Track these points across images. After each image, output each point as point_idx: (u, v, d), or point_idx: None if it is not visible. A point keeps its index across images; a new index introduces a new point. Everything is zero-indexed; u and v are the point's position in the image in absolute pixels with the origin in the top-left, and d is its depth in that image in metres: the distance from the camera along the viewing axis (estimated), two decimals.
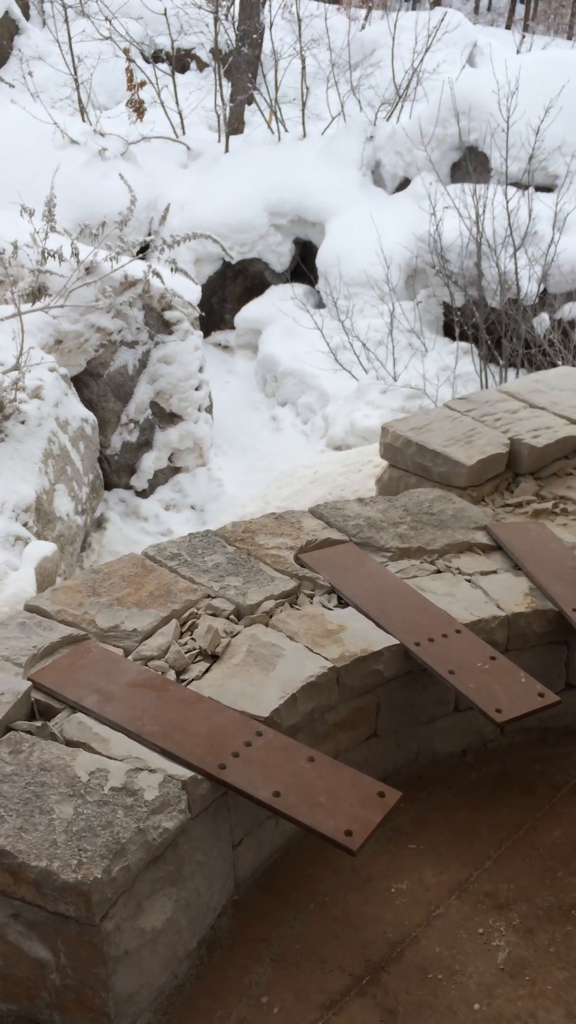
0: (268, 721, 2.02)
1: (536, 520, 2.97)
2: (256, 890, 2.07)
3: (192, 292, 7.24)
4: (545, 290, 7.55)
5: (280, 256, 9.89)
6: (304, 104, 10.70)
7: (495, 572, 2.67)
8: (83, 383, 6.25)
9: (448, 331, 8.44)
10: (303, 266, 9.72)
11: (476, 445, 3.12)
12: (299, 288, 9.65)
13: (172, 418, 6.90)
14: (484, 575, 2.65)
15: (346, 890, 2.08)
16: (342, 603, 2.47)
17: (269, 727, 2.00)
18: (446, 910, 2.05)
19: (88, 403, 6.16)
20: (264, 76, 12.01)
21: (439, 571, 2.66)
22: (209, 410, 7.18)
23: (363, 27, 15.24)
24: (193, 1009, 1.80)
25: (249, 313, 9.60)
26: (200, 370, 7.14)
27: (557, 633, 2.51)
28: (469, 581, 2.62)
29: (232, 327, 9.93)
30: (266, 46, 12.82)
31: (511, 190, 8.00)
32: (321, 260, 9.26)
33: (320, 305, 9.31)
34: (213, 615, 2.35)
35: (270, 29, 12.90)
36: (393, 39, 11.66)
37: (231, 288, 10.00)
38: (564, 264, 7.28)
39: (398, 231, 8.63)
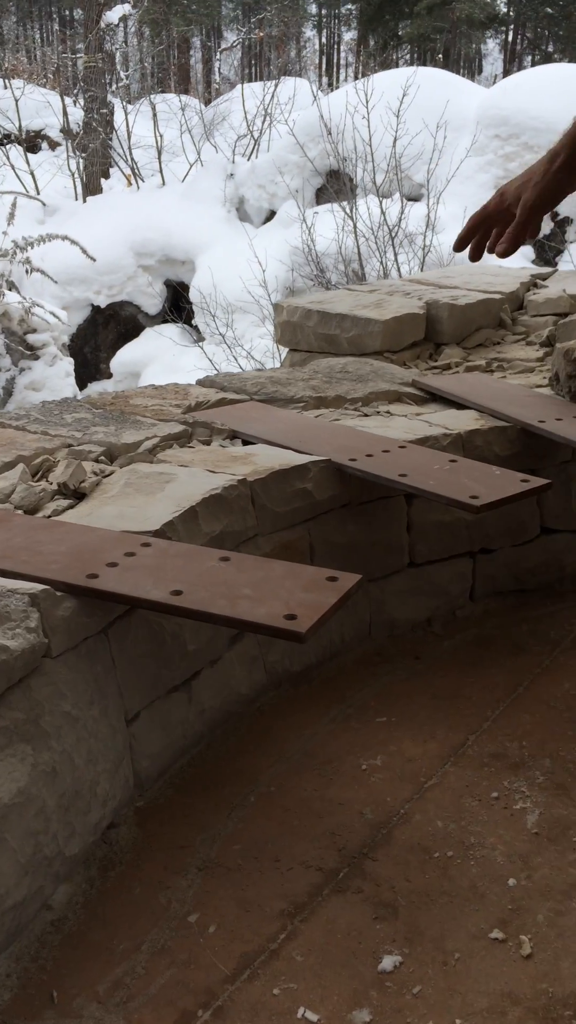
0: (158, 535, 1.42)
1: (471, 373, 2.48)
2: (171, 791, 1.41)
3: (59, 313, 6.72)
4: None
5: (152, 298, 9.51)
6: (160, 151, 10.52)
7: (434, 412, 2.15)
8: None
9: None
10: (174, 313, 9.34)
11: (388, 309, 2.64)
12: (175, 328, 9.25)
13: None
14: (421, 415, 2.13)
15: (299, 776, 1.45)
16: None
17: (161, 540, 1.39)
18: (441, 779, 1.44)
19: None
20: (120, 143, 11.87)
21: (366, 415, 2.13)
22: None
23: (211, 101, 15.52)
24: (79, 946, 1.13)
25: (125, 356, 9.13)
26: (75, 397, 6.56)
27: (522, 458, 1.99)
28: (405, 417, 2.09)
29: (109, 375, 9.42)
30: (119, 116, 12.76)
31: (383, 201, 7.86)
32: (195, 294, 8.91)
33: (200, 340, 8.91)
34: (77, 459, 1.74)
35: (122, 104, 12.87)
36: (243, 94, 11.74)
37: (103, 335, 9.52)
38: (443, 258, 7.09)
39: (272, 254, 8.36)
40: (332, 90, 13.63)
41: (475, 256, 1.54)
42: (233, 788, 1.42)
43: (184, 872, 1.25)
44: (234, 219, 9.69)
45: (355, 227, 6.96)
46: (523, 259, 8.93)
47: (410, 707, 1.63)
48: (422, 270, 7.07)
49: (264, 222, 9.59)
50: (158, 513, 1.47)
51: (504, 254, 1.46)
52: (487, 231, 1.51)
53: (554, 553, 2.05)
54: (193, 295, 8.97)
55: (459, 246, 1.55)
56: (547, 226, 9.30)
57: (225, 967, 1.10)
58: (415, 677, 1.74)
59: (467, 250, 1.55)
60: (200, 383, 2.35)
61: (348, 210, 7.01)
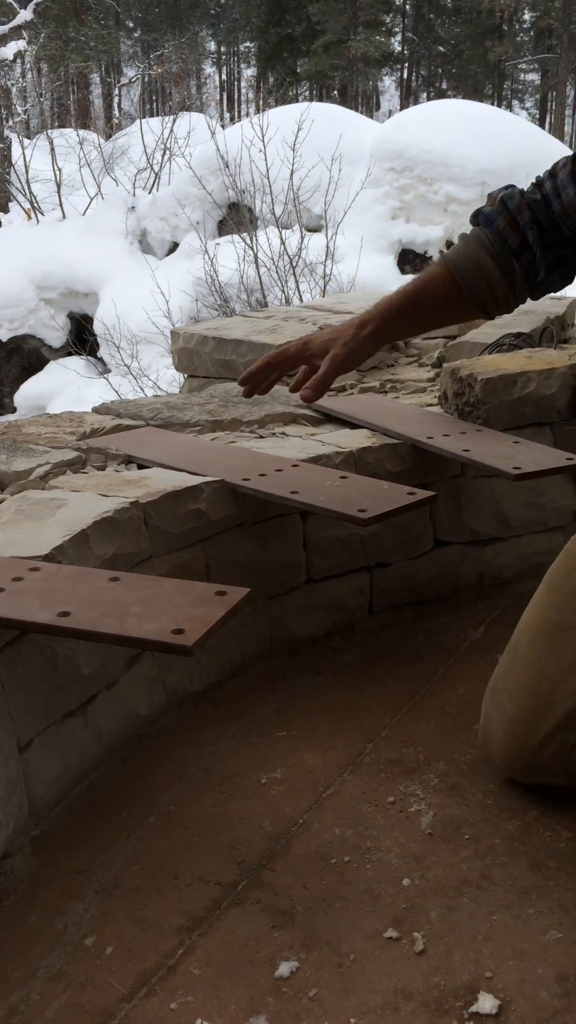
0: (48, 559, 1.41)
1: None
2: (69, 816, 1.40)
3: None
4: None
5: (55, 331, 9.43)
6: (59, 185, 10.50)
7: (328, 433, 2.20)
8: None
9: None
10: (78, 346, 9.28)
11: (283, 334, 2.70)
12: (80, 360, 9.19)
13: None
14: (316, 435, 2.17)
15: (199, 794, 1.45)
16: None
17: (50, 564, 1.39)
18: (339, 788, 1.46)
19: None
20: (19, 177, 11.79)
21: (262, 437, 2.16)
22: None
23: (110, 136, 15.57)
24: None
25: (30, 390, 9.02)
26: None
27: (413, 474, 2.05)
28: (300, 438, 2.14)
29: (13, 410, 9.28)
30: (16, 151, 12.69)
31: (283, 233, 8.00)
32: (99, 326, 8.88)
33: (106, 371, 8.87)
34: None
35: (19, 139, 12.81)
36: (141, 128, 11.83)
37: (6, 369, 9.39)
38: (343, 286, 7.25)
39: (176, 285, 8.41)
40: (232, 125, 13.83)
41: (251, 393, 1.60)
42: (132, 810, 1.41)
43: (81, 896, 1.24)
44: (137, 251, 9.72)
45: (256, 257, 7.06)
46: None
47: (310, 720, 1.66)
48: (324, 297, 7.21)
49: (167, 254, 9.65)
50: (48, 538, 1.47)
51: (310, 399, 1.52)
52: (280, 373, 1.58)
53: (448, 565, 2.11)
54: (97, 327, 8.94)
55: (247, 380, 1.59)
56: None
57: (122, 986, 1.10)
58: (316, 691, 1.76)
59: (254, 376, 1.58)
60: (96, 410, 2.35)
61: (249, 241, 7.12)
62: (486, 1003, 1.06)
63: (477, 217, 1.49)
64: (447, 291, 1.49)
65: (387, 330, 1.52)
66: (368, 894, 1.23)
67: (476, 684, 1.75)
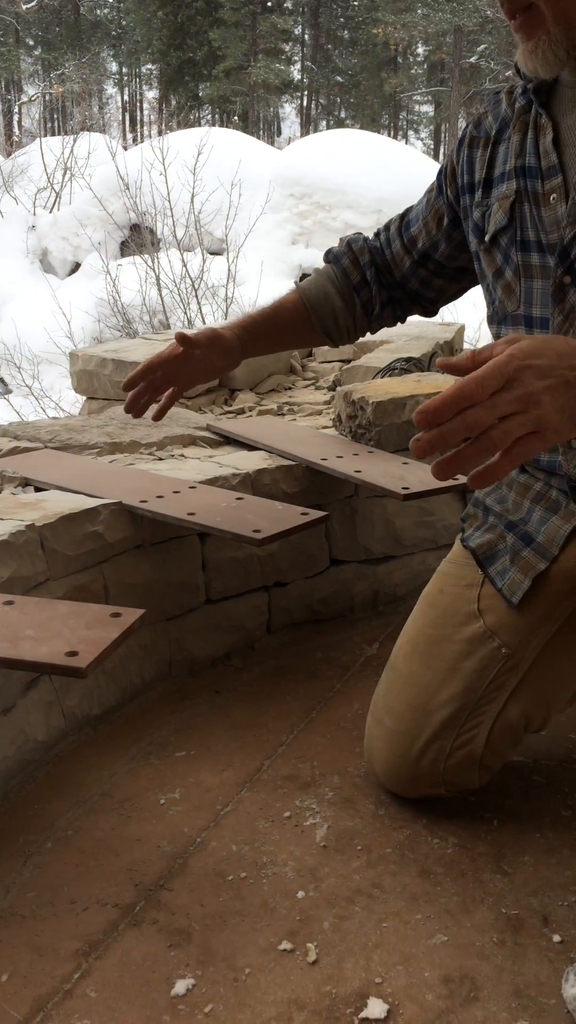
0: None
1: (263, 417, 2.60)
2: None
3: None
4: None
5: None
6: None
7: (226, 455, 2.23)
8: None
9: None
10: None
11: None
12: None
13: None
14: (214, 457, 2.20)
15: (96, 817, 1.46)
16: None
17: None
18: (237, 805, 1.48)
19: None
20: None
21: (161, 459, 2.18)
22: None
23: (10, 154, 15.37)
24: None
25: None
26: None
27: (308, 494, 2.10)
28: (198, 460, 2.16)
29: None
30: None
31: (184, 255, 8.04)
32: None
33: (7, 392, 8.72)
34: None
35: None
36: (41, 148, 11.72)
37: None
38: (244, 308, 7.32)
39: (78, 305, 8.34)
40: (134, 146, 13.83)
41: (135, 412, 1.67)
42: (29, 836, 1.41)
43: None
44: (38, 270, 9.60)
45: (158, 279, 7.07)
46: None
47: (209, 739, 1.68)
48: (226, 319, 7.27)
49: (69, 274, 9.56)
50: None
51: (156, 417, 1.68)
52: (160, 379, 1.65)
53: (343, 583, 2.17)
54: None
55: (128, 386, 1.65)
56: None
57: (18, 1013, 1.09)
58: (214, 710, 1.78)
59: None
60: None
61: (151, 263, 7.13)
62: (375, 1008, 1.10)
63: (328, 255, 1.71)
64: (299, 315, 1.69)
65: (251, 341, 1.68)
66: (264, 908, 1.26)
67: (370, 699, 1.80)
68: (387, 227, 1.68)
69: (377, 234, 1.71)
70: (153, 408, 1.68)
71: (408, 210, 1.66)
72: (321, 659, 1.99)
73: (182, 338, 1.62)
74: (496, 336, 1.39)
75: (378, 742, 1.46)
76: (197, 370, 1.66)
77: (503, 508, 1.38)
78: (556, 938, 1.20)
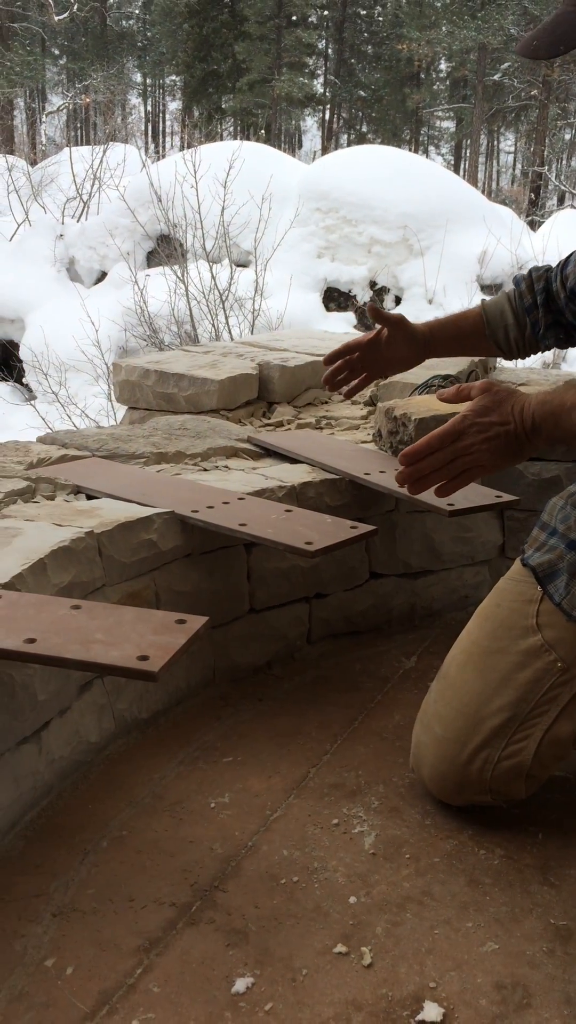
0: (8, 587, 1.45)
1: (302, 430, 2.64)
2: (22, 842, 1.42)
3: None
4: None
5: None
6: None
7: (269, 467, 2.28)
8: None
9: None
10: (4, 371, 9.20)
11: (223, 369, 2.77)
12: (5, 386, 9.09)
13: None
14: (257, 469, 2.25)
15: (149, 818, 1.49)
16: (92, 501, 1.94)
17: (11, 591, 1.42)
18: (286, 811, 1.52)
19: None
20: None
21: (206, 470, 2.23)
22: None
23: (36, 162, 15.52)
24: None
25: None
26: None
27: (351, 508, 2.14)
28: (242, 471, 2.20)
29: None
30: None
31: (213, 267, 8.11)
32: (26, 352, 8.81)
33: (32, 398, 8.80)
34: None
35: None
36: (71, 157, 11.85)
37: None
38: (271, 321, 7.39)
39: (105, 314, 8.42)
40: (159, 157, 13.96)
41: (333, 385, 1.87)
42: (85, 835, 1.44)
43: (39, 919, 1.27)
44: (65, 279, 9.70)
45: (187, 290, 7.15)
46: (346, 324, 9.43)
47: (254, 746, 1.71)
48: (252, 332, 7.33)
49: (96, 283, 9.66)
50: (7, 566, 1.50)
51: (348, 395, 1.90)
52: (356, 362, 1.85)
53: (382, 596, 2.20)
54: (24, 353, 8.87)
55: (329, 360, 1.87)
56: (367, 294, 9.87)
57: (84, 1005, 1.13)
58: (258, 718, 1.82)
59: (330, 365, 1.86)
60: (41, 440, 2.38)
61: (179, 274, 7.20)
62: (431, 1011, 1.13)
63: (514, 279, 1.88)
64: (477, 326, 1.84)
65: (435, 339, 1.83)
66: (317, 912, 1.29)
67: (410, 711, 1.83)
68: (564, 260, 1.79)
69: (558, 263, 1.83)
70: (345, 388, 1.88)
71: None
72: (360, 671, 2.02)
73: (373, 309, 1.79)
74: None
75: (426, 748, 1.49)
76: (386, 359, 1.83)
77: (566, 527, 1.42)
78: None
